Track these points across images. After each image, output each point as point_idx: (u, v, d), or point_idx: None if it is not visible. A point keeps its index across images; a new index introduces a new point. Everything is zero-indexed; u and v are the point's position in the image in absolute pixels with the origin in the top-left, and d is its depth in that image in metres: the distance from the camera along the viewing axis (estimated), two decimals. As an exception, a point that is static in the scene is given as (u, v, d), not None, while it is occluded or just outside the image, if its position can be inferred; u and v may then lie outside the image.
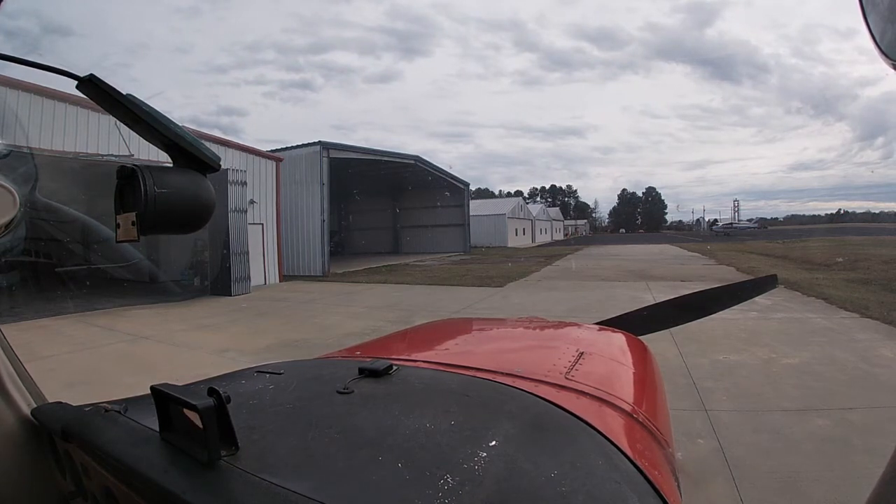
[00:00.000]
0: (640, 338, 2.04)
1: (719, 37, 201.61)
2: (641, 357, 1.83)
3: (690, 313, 2.55)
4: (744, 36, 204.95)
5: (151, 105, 0.86)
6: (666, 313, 2.52)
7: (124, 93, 0.83)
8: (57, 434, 1.10)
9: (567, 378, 1.35)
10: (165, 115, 0.86)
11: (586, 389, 1.28)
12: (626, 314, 2.37)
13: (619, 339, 2.00)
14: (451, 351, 1.82)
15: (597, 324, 2.25)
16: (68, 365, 7.17)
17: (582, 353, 1.57)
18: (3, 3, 0.98)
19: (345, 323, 10.48)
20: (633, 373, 1.65)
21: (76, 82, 0.81)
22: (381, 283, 18.49)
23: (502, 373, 1.34)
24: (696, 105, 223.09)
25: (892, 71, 0.51)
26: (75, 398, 1.26)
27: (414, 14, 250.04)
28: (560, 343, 1.78)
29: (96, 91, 0.82)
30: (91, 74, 0.81)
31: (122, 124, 0.87)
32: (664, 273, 19.13)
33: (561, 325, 2.16)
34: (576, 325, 2.13)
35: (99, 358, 7.85)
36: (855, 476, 3.43)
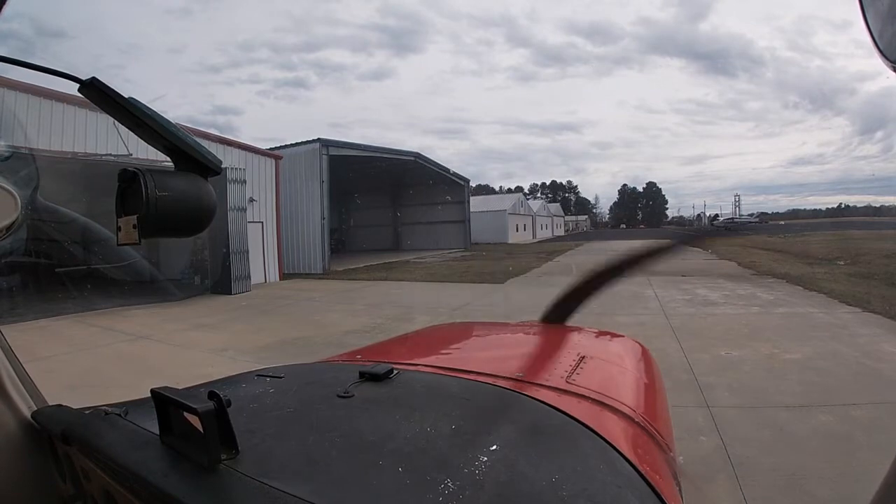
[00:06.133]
0: (641, 342, 2.04)
1: (713, 30, 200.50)
2: (642, 361, 1.83)
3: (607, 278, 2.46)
4: (737, 29, 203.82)
5: (153, 108, 0.86)
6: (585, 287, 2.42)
7: (126, 96, 0.83)
8: (57, 437, 1.10)
9: (568, 382, 1.34)
10: (166, 117, 0.86)
11: (587, 394, 1.27)
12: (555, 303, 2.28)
13: (619, 342, 2.00)
14: (452, 355, 1.83)
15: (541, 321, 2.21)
16: (68, 366, 7.18)
17: (583, 357, 1.56)
18: (3, 8, 0.98)
19: (345, 321, 10.49)
20: (635, 377, 1.65)
21: (78, 85, 0.80)
22: (381, 280, 18.51)
23: (503, 377, 1.33)
24: (691, 99, 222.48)
25: (891, 71, 0.51)
26: (75, 400, 1.26)
27: (405, 11, 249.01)
28: (561, 347, 1.78)
29: (98, 95, 0.82)
30: (93, 78, 0.80)
31: (121, 125, 0.87)
32: (665, 268, 19.10)
33: (562, 329, 2.16)
34: (577, 329, 2.12)
35: (98, 358, 7.87)
36: (859, 474, 3.42)
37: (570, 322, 2.13)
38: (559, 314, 2.15)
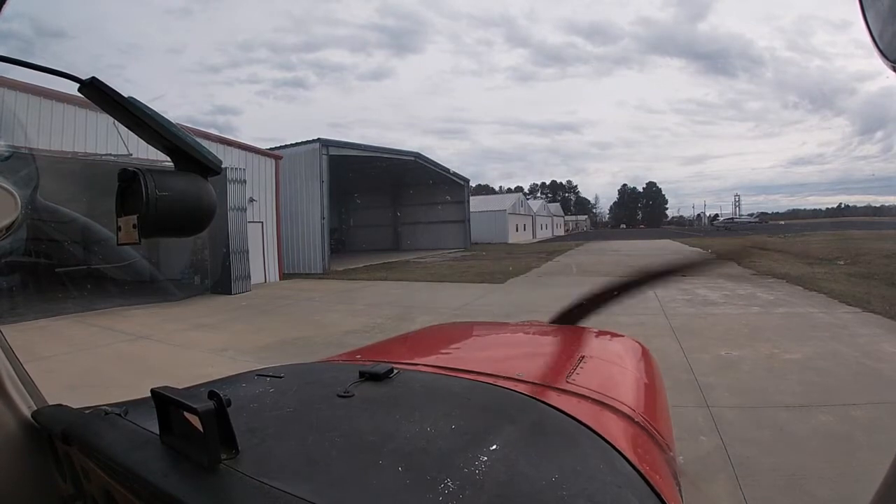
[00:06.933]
0: (641, 342, 2.04)
1: (712, 30, 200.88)
2: (642, 360, 1.83)
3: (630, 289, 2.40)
4: (737, 29, 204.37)
5: (153, 108, 0.86)
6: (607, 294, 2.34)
7: (126, 96, 0.83)
8: (57, 437, 1.10)
9: (568, 382, 1.35)
10: (166, 117, 0.86)
11: (587, 393, 1.27)
12: (573, 306, 2.24)
13: (620, 342, 2.00)
14: (452, 355, 1.83)
15: (551, 322, 2.22)
16: (68, 366, 7.18)
17: (583, 357, 1.57)
18: (3, 8, 0.98)
19: (345, 321, 10.49)
20: (635, 376, 1.65)
21: (78, 85, 0.80)
22: (381, 280, 18.50)
23: (503, 377, 1.33)
24: (691, 99, 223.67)
25: (891, 71, 0.51)
26: (75, 400, 1.26)
27: (404, 11, 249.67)
28: (561, 347, 1.79)
29: (98, 94, 0.81)
30: (93, 77, 0.80)
31: (120, 124, 0.87)
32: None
33: (562, 329, 2.15)
34: (577, 329, 2.12)
35: (98, 358, 7.86)
36: (859, 474, 3.42)
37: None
38: (570, 318, 2.16)
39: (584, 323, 2.14)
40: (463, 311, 11.30)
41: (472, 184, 39.15)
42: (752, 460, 3.79)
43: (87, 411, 1.12)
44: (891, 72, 0.51)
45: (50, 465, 1.19)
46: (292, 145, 23.72)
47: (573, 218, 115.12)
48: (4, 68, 0.84)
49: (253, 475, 0.79)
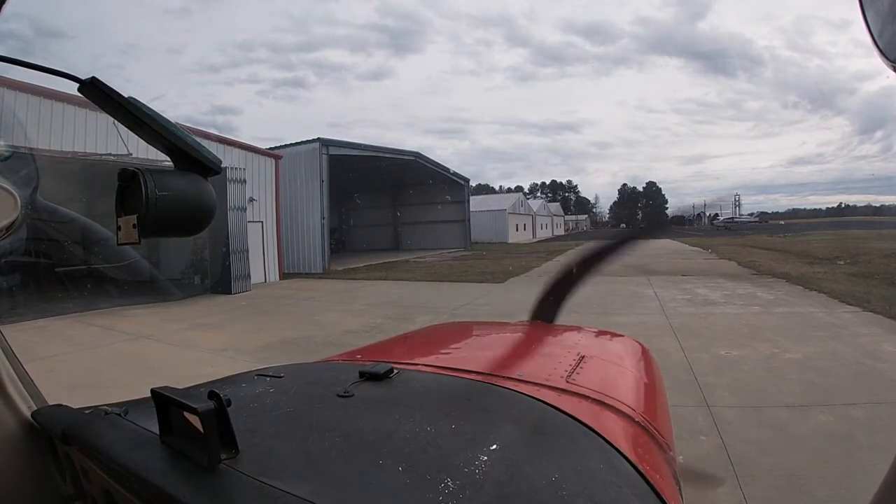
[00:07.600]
0: (641, 341, 2.04)
1: (712, 30, 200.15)
2: (642, 360, 1.83)
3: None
4: (737, 29, 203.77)
5: (153, 108, 0.86)
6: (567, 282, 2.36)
7: (126, 96, 0.83)
8: (57, 437, 1.10)
9: (568, 382, 1.35)
10: (166, 117, 0.86)
11: (587, 393, 1.27)
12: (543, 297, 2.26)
13: (620, 342, 2.01)
14: (452, 355, 1.83)
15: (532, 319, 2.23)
16: (68, 366, 7.17)
17: (583, 357, 1.57)
18: (3, 8, 0.98)
19: (345, 320, 10.49)
20: (635, 376, 1.66)
21: (78, 85, 0.80)
22: (381, 279, 18.51)
23: (503, 377, 1.34)
24: (691, 99, 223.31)
25: (891, 71, 0.51)
26: (75, 400, 1.26)
27: (403, 11, 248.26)
28: (561, 347, 1.79)
29: (98, 94, 0.81)
30: (93, 77, 0.80)
31: (120, 125, 0.87)
32: (666, 268, 19.11)
33: (562, 328, 2.16)
34: (577, 328, 2.13)
35: (98, 358, 7.86)
36: (860, 473, 3.42)
37: (560, 318, 2.14)
38: (546, 313, 2.17)
39: (563, 314, 2.15)
40: (463, 310, 11.31)
41: (472, 184, 39.13)
42: (752, 460, 3.79)
43: (87, 411, 1.12)
44: (891, 72, 0.51)
45: (50, 465, 1.19)
46: (292, 145, 23.71)
47: (573, 217, 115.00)
48: (4, 68, 0.84)
49: (253, 475, 0.79)
